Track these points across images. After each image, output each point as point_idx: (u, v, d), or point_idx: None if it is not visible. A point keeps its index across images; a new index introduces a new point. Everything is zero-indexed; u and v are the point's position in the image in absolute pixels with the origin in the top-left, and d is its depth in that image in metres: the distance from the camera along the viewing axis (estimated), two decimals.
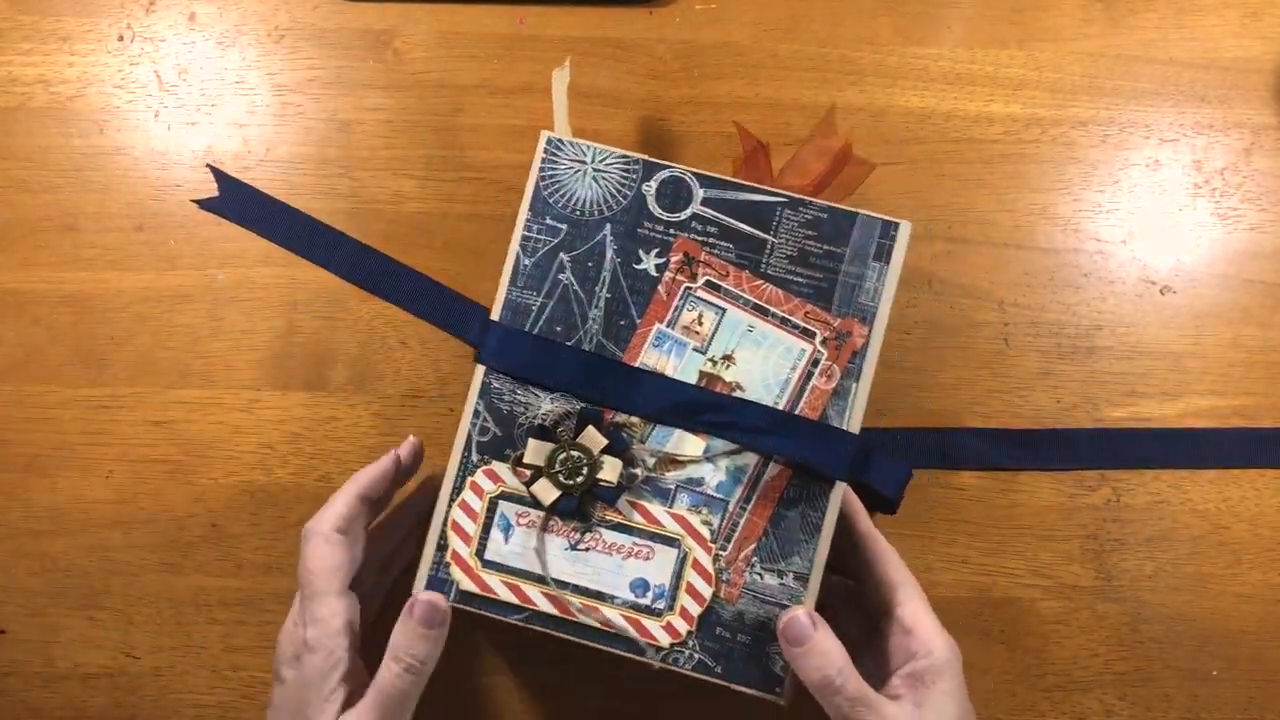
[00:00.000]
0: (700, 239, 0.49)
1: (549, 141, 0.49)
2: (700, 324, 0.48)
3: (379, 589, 0.53)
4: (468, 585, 0.47)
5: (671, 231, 0.49)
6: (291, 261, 0.57)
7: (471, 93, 0.58)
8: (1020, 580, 0.56)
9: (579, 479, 0.47)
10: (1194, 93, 0.58)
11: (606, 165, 0.49)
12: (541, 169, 0.49)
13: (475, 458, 0.48)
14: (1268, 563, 0.56)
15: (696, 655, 0.47)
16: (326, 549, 0.46)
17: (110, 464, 0.56)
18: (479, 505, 0.48)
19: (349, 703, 0.44)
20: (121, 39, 0.58)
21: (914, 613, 0.46)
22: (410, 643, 0.44)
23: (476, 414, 0.48)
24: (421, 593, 0.46)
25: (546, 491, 0.47)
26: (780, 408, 0.48)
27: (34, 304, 0.57)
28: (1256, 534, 0.56)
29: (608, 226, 0.49)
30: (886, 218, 0.48)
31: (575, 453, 0.47)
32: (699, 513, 0.48)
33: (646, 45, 0.58)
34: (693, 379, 0.48)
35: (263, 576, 0.55)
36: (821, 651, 0.44)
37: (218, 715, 0.55)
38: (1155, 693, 0.55)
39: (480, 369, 0.48)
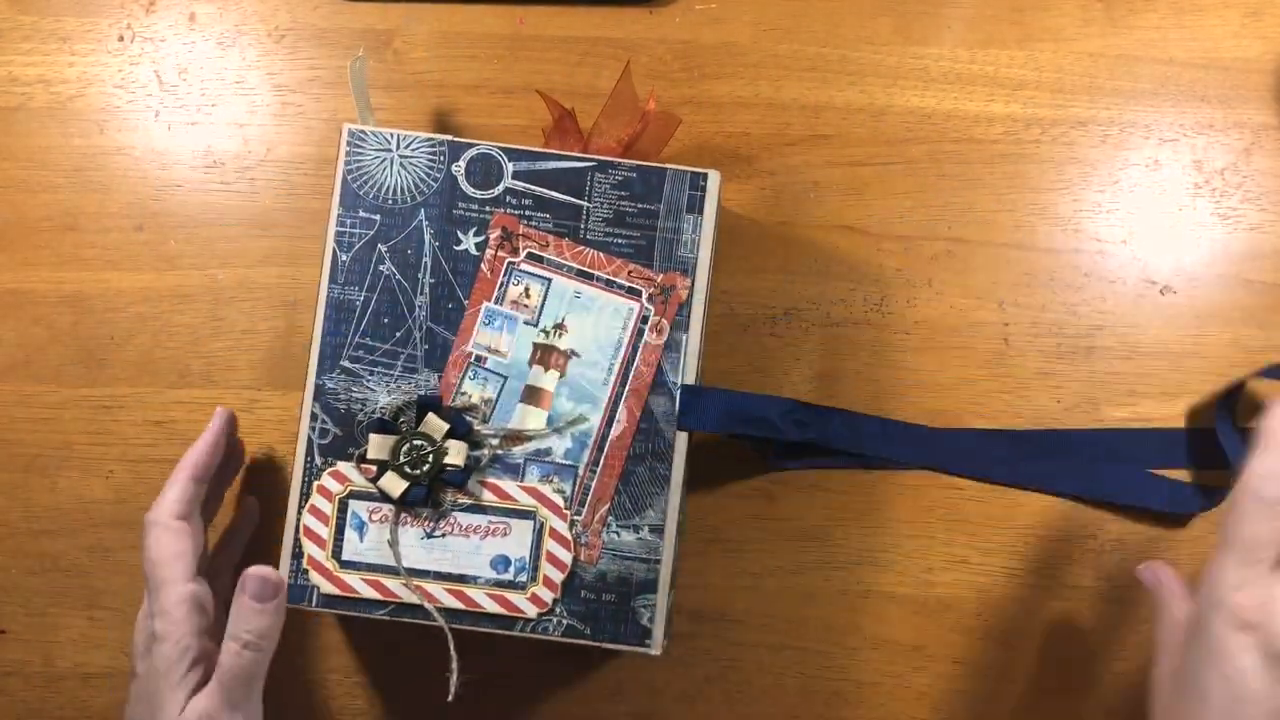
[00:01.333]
0: (516, 212, 0.49)
1: (351, 134, 0.50)
2: (528, 297, 0.49)
3: (227, 566, 0.53)
4: (328, 588, 0.48)
5: (487, 209, 0.49)
6: (292, 261, 0.57)
7: (471, 93, 0.58)
8: (1020, 580, 0.56)
9: (425, 467, 0.48)
10: (1194, 93, 0.58)
11: (413, 150, 0.49)
12: (347, 162, 0.49)
13: (319, 461, 0.49)
14: None
15: (565, 621, 0.48)
16: (167, 537, 0.46)
17: (110, 464, 0.56)
18: (328, 508, 0.48)
19: (200, 688, 0.44)
20: (121, 39, 0.58)
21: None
22: (245, 620, 0.44)
23: (314, 417, 0.49)
24: (251, 568, 0.45)
25: (394, 484, 0.48)
26: (614, 367, 0.49)
27: (34, 304, 0.57)
28: None
29: (422, 211, 0.49)
30: (695, 169, 0.49)
31: (418, 441, 0.48)
32: (550, 482, 0.49)
33: (646, 45, 0.58)
34: (528, 352, 0.49)
35: None
36: (1167, 604, 0.47)
37: None
38: None
39: (311, 371, 0.49)
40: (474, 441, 0.48)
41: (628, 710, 0.55)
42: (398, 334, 0.49)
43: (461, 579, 0.48)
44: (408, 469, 0.48)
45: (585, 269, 0.49)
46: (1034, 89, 0.58)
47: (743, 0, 0.59)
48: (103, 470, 0.56)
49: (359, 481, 0.48)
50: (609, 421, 0.49)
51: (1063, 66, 0.58)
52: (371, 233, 0.49)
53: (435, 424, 0.48)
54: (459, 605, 0.48)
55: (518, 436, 0.49)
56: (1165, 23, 0.59)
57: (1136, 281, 0.57)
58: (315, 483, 0.48)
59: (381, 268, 0.49)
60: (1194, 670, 0.42)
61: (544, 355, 0.49)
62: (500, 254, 0.49)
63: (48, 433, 0.56)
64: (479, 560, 0.48)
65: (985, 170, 0.58)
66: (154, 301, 0.57)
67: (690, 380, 0.49)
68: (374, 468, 0.48)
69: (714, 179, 0.49)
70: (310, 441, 0.49)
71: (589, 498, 0.49)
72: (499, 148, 0.49)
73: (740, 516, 0.56)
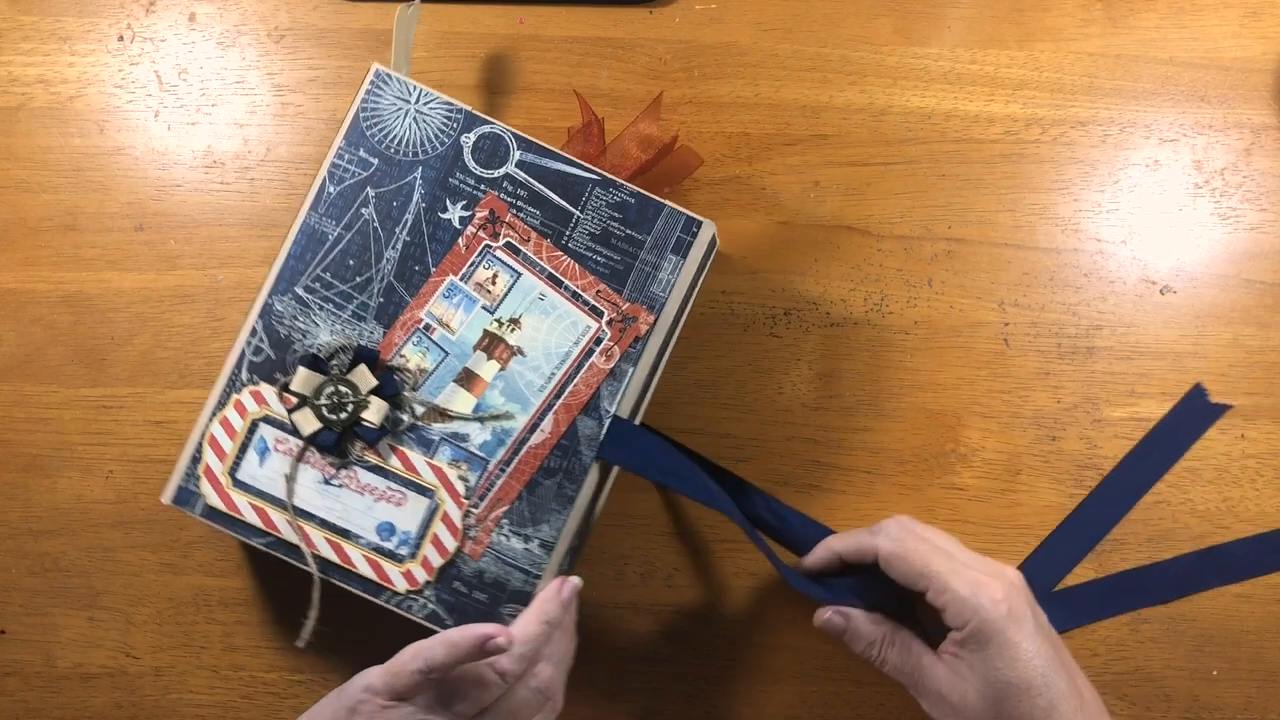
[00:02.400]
0: (509, 200, 0.49)
1: (377, 74, 0.49)
2: (493, 284, 0.49)
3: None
4: (215, 502, 0.48)
5: (482, 187, 0.49)
6: None
7: (471, 93, 0.58)
8: None
9: (342, 415, 0.48)
10: (1194, 93, 0.58)
11: (430, 109, 0.49)
12: (364, 101, 0.49)
13: (245, 376, 0.48)
14: None
15: (430, 605, 0.48)
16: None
17: (110, 464, 0.56)
18: (240, 424, 0.48)
19: None
20: (121, 39, 0.58)
21: (938, 593, 0.45)
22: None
23: (253, 332, 0.49)
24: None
25: (307, 421, 0.48)
26: (555, 377, 0.48)
27: (34, 304, 0.57)
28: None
29: (419, 170, 0.49)
30: (692, 214, 0.49)
31: (343, 388, 0.48)
32: (458, 467, 0.48)
33: (646, 45, 0.58)
34: (477, 336, 0.49)
35: (263, 576, 0.55)
36: (858, 637, 0.48)
37: (218, 715, 0.55)
38: (1155, 693, 0.55)
39: (266, 287, 0.49)
40: (397, 405, 0.48)
41: (628, 710, 0.55)
42: (359, 279, 0.49)
43: (345, 534, 0.48)
44: (325, 411, 0.47)
45: (557, 275, 0.49)
46: (1034, 89, 0.58)
47: (743, 0, 0.59)
48: (103, 470, 0.56)
49: (276, 408, 0.48)
50: (532, 428, 0.48)
51: (1063, 66, 0.58)
52: (365, 174, 0.49)
53: (365, 376, 0.48)
54: (334, 558, 0.48)
55: (441, 413, 0.48)
56: (1165, 23, 0.59)
57: (1136, 281, 0.57)
58: (235, 395, 0.48)
59: (364, 210, 0.49)
60: (1002, 679, 0.43)
61: (491, 344, 0.49)
62: (481, 234, 0.49)
63: (48, 433, 0.56)
64: (367, 521, 0.48)
65: (985, 170, 0.58)
66: (154, 301, 0.57)
67: (625, 414, 0.49)
68: (294, 399, 0.48)
69: (706, 229, 0.49)
70: (243, 355, 0.48)
71: (490, 494, 0.48)
72: (513, 132, 0.49)
73: None
